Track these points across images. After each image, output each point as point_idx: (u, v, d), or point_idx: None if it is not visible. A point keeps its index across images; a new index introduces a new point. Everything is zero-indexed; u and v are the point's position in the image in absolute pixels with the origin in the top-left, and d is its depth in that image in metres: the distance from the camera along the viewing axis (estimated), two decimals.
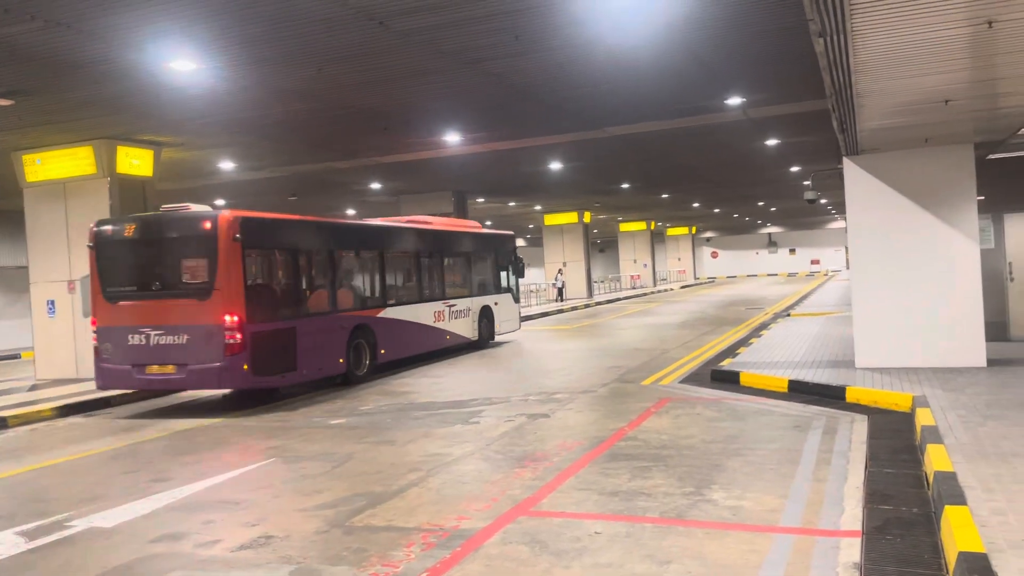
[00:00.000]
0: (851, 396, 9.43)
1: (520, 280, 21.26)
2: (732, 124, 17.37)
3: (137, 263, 11.87)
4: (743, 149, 21.36)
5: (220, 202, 26.60)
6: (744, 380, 11.15)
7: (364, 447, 8.52)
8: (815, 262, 68.38)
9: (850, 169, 11.04)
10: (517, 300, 20.97)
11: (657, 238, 66.40)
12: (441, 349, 17.09)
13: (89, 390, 12.85)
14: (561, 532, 5.42)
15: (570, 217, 39.89)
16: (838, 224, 59.93)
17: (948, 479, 5.52)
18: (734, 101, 14.83)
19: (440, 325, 16.91)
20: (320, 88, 12.10)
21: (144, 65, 10.30)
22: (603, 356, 15.68)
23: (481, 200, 31.80)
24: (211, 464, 8.17)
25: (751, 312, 25.75)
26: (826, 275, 59.75)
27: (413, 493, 6.60)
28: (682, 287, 50.64)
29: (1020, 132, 9.86)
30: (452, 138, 17.04)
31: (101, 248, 11.93)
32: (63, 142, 14.75)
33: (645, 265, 52.20)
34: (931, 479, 5.70)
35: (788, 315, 21.82)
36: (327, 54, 10.43)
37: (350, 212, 33.05)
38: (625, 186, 29.69)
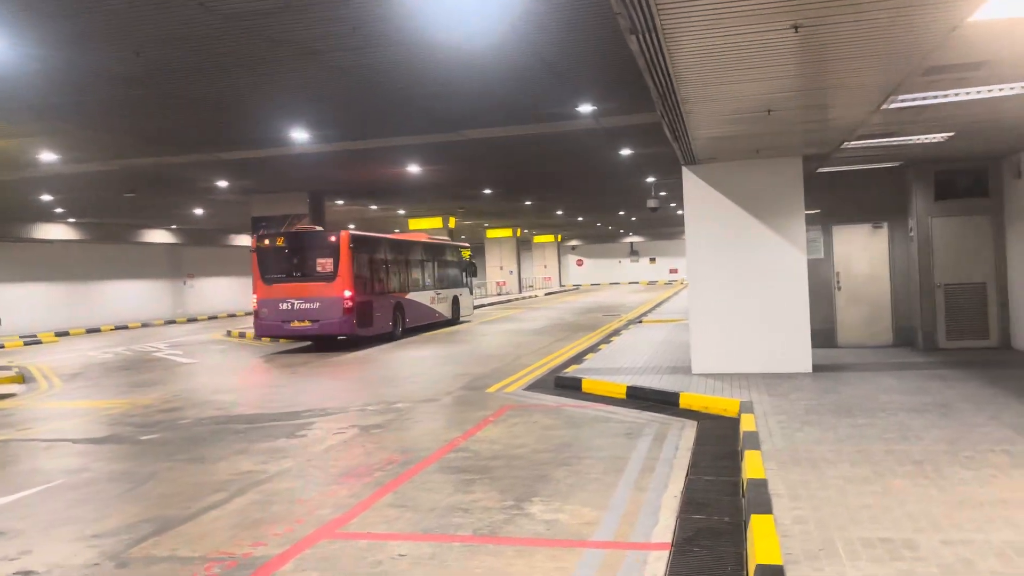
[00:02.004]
0: (684, 402, 9.51)
1: (474, 279, 30.28)
2: (586, 132, 17.50)
3: (286, 260, 19.24)
4: (599, 158, 21.64)
5: (47, 197, 24.49)
6: (586, 387, 11.10)
7: (170, 465, 7.77)
8: (673, 271, 71.04)
9: (688, 178, 11.23)
10: (472, 293, 29.82)
11: (524, 245, 67.09)
12: (433, 323, 24.82)
13: None
14: (363, 556, 5.00)
15: (435, 222, 39.35)
16: None
17: (759, 487, 5.50)
18: (585, 109, 14.87)
19: (433, 306, 24.94)
20: (142, 73, 11.12)
21: None
22: (455, 363, 15.35)
23: (341, 202, 30.80)
24: None
25: (607, 319, 26.19)
26: (683, 283, 62.15)
27: (210, 517, 5.98)
28: (547, 294, 51.23)
29: (844, 146, 10.29)
30: (300, 135, 16.26)
31: (260, 251, 19.54)
32: None
33: (511, 272, 52.51)
34: (745, 487, 5.68)
35: (640, 321, 22.28)
36: (145, 36, 9.53)
37: (198, 212, 31.25)
38: (487, 192, 29.57)
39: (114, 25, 9.14)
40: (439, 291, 25.60)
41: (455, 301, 27.02)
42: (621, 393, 10.47)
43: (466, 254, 29.24)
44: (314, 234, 19.69)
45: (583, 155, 21.08)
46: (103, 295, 36.51)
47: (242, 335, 25.04)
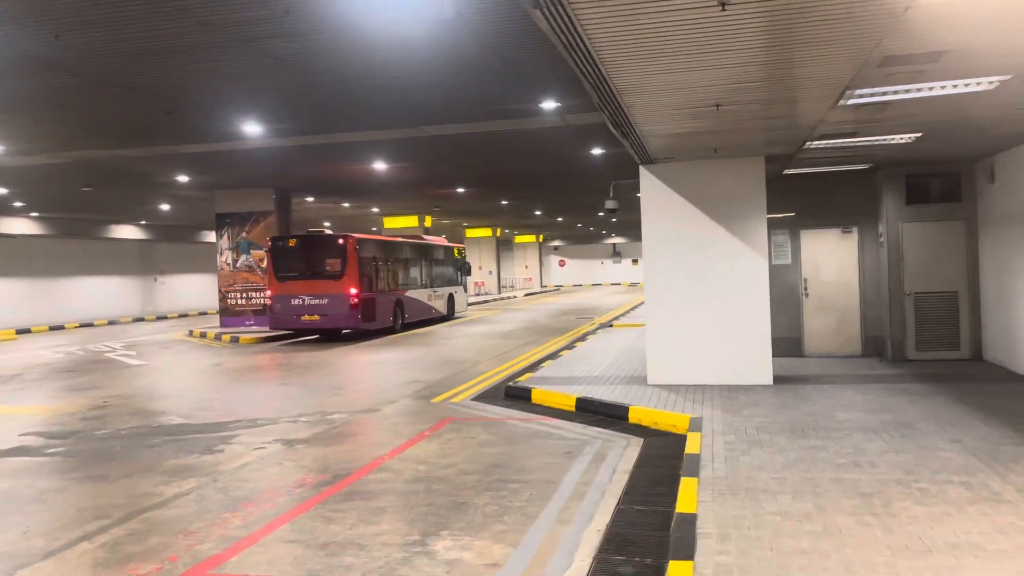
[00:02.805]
0: (633, 416, 8.92)
1: (468, 278, 32.02)
2: (554, 130, 16.91)
3: (298, 260, 21.24)
4: (571, 157, 21.02)
5: (1, 190, 23.66)
6: (535, 397, 10.49)
7: (63, 485, 7.10)
8: None
9: (645, 178, 10.64)
10: (466, 291, 31.61)
11: (506, 246, 66.46)
12: (430, 318, 26.80)
13: None
14: None
15: (410, 221, 38.67)
16: None
17: (686, 524, 4.91)
18: (549, 105, 14.27)
19: (430, 303, 26.89)
20: (70, 59, 10.43)
21: None
22: (410, 369, 14.71)
23: (311, 199, 30.05)
24: None
25: (580, 322, 25.61)
26: None
27: (77, 551, 5.33)
28: (526, 295, 50.64)
29: (807, 146, 9.72)
30: (253, 128, 15.56)
31: (275, 251, 21.52)
32: None
33: (490, 272, 51.88)
34: (674, 522, 5.09)
35: (611, 325, 21.71)
36: (64, 17, 8.88)
37: (164, 208, 30.43)
38: (461, 191, 28.90)
39: (27, 6, 8.47)
40: (436, 289, 27.63)
41: (451, 298, 29.06)
42: (570, 405, 9.87)
43: (461, 255, 31.27)
44: (324, 237, 21.66)
45: (554, 154, 20.48)
46: (70, 292, 35.60)
47: (203, 335, 24.29)
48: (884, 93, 6.58)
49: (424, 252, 27.09)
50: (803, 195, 13.07)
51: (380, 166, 21.52)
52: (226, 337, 22.63)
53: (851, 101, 6.81)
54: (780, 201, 12.96)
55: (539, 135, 17.42)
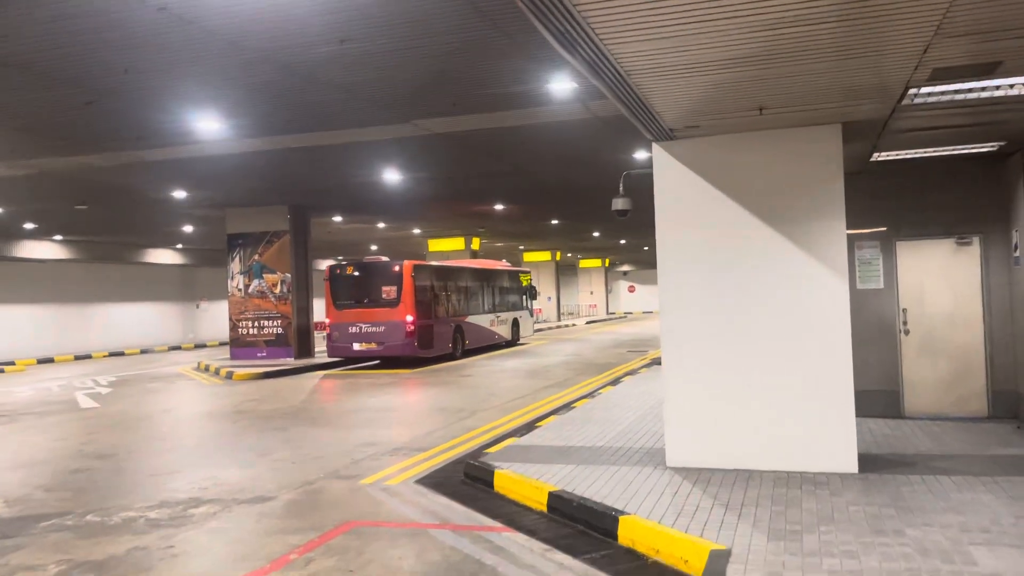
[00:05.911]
0: (625, 534, 5.51)
1: (534, 302, 31.65)
2: (578, 125, 13.68)
3: (355, 288, 21.27)
4: (611, 162, 17.63)
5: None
6: (498, 484, 7.16)
7: None
8: None
9: (660, 160, 7.23)
10: (532, 316, 31.20)
11: (570, 270, 63.09)
12: (494, 344, 26.35)
13: None
14: None
15: (456, 243, 35.84)
16: None
17: None
18: (562, 86, 11.05)
19: (493, 328, 26.37)
20: None
21: None
22: (378, 423, 11.56)
23: (339, 219, 27.42)
24: None
25: (630, 356, 22.05)
26: None
27: None
28: (587, 322, 47.02)
29: (910, 98, 6.20)
30: (211, 125, 12.79)
31: (333, 280, 21.50)
32: None
33: (549, 299, 48.56)
34: None
35: (661, 363, 18.11)
36: None
37: (188, 229, 28.40)
38: (499, 207, 25.75)
39: None
40: (499, 314, 27.19)
41: (515, 323, 28.65)
42: (541, 502, 6.51)
43: (526, 280, 30.68)
44: (380, 264, 21.50)
45: (589, 159, 17.11)
46: (103, 319, 34.14)
47: (207, 368, 21.81)
48: None
49: (485, 278, 26.59)
50: (900, 193, 9.42)
51: (393, 176, 18.60)
52: (224, 371, 20.06)
53: None
54: (865, 199, 9.36)
55: (561, 131, 14.19)
